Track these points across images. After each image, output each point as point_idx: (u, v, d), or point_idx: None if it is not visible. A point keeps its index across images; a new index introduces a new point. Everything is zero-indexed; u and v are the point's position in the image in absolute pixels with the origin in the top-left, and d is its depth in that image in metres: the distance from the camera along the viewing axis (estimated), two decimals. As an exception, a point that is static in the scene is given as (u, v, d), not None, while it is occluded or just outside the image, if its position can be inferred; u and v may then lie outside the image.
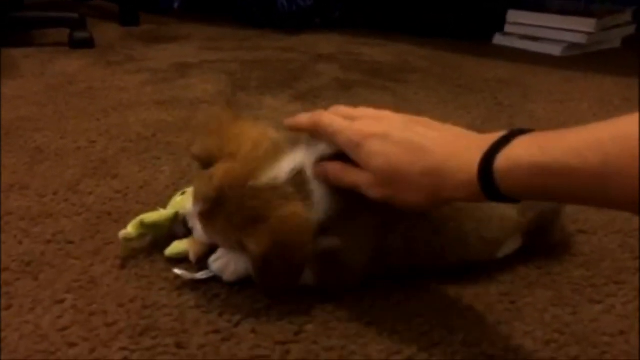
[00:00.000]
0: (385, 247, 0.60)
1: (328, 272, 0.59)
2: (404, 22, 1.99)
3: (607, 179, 0.38)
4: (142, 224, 0.64)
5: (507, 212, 0.63)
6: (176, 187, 0.80)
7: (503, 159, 0.44)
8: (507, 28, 1.86)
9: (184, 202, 0.67)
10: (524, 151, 0.43)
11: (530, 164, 0.42)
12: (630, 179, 0.37)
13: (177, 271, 0.60)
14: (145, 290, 0.60)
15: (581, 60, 1.68)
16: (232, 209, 0.53)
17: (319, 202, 0.56)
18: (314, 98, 1.27)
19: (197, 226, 0.60)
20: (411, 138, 0.50)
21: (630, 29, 1.80)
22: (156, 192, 0.81)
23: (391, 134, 0.50)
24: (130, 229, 0.64)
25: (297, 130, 0.59)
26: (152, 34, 1.93)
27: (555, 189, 0.42)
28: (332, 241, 0.57)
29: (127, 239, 0.64)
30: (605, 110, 1.23)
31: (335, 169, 0.55)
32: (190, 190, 0.69)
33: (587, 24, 1.70)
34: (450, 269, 0.63)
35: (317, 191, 0.56)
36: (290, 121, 0.60)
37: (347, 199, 0.56)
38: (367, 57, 1.67)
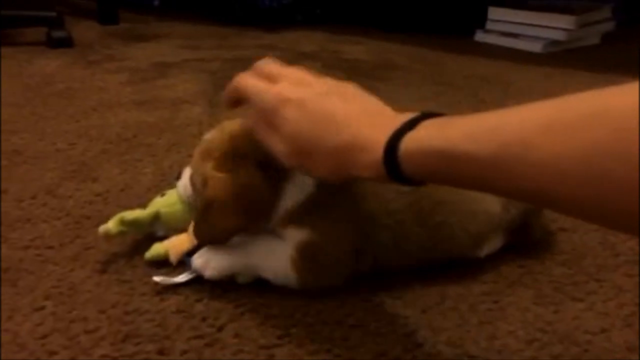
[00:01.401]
0: (372, 241, 0.60)
1: (307, 268, 0.58)
2: (385, 18, 1.99)
3: (499, 167, 0.37)
4: (123, 221, 0.63)
5: (492, 207, 0.63)
6: (158, 189, 0.79)
7: (407, 142, 0.43)
8: (489, 25, 1.87)
9: (165, 202, 0.66)
10: (427, 135, 0.42)
11: (431, 148, 0.41)
12: (522, 167, 0.36)
13: (156, 278, 0.60)
14: (126, 295, 0.59)
15: (561, 56, 1.69)
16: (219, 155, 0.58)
17: (290, 189, 0.57)
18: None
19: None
20: (325, 110, 0.48)
21: (610, 25, 1.83)
22: (137, 194, 0.80)
23: (306, 103, 0.49)
24: (111, 225, 0.63)
25: (230, 102, 0.57)
26: (132, 32, 1.91)
27: (454, 174, 0.41)
28: (306, 234, 0.57)
29: (107, 235, 0.63)
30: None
31: (260, 126, 0.52)
32: (170, 192, 0.68)
33: (566, 21, 1.72)
34: (437, 264, 0.63)
35: (290, 179, 0.57)
36: (224, 99, 0.58)
37: (322, 189, 0.57)
38: (349, 55, 1.66)
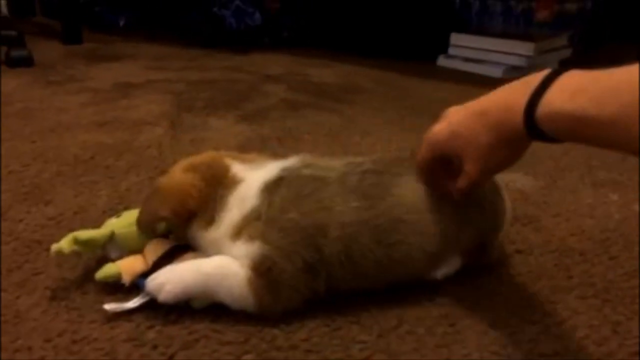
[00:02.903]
0: (324, 255, 0.59)
1: (264, 286, 0.57)
2: (351, 42, 2.02)
3: (620, 127, 0.43)
4: (76, 240, 0.61)
5: (449, 228, 0.63)
6: (113, 212, 0.77)
7: (543, 106, 0.49)
8: (451, 50, 1.91)
9: (120, 223, 0.65)
10: (559, 98, 0.48)
11: (562, 111, 0.47)
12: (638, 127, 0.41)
13: (106, 307, 0.58)
14: (75, 323, 0.57)
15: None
16: None
17: (233, 201, 0.60)
18: (261, 119, 1.26)
19: None
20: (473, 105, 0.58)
21: (567, 52, 1.89)
22: (92, 218, 0.78)
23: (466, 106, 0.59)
24: (64, 244, 0.61)
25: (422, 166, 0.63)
26: (96, 53, 1.89)
27: (582, 134, 0.47)
28: (257, 247, 0.58)
29: (60, 254, 0.61)
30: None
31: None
32: (125, 214, 0.67)
33: (526, 48, 1.77)
34: (393, 286, 0.63)
35: (233, 193, 0.61)
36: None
37: (266, 201, 0.59)
38: (315, 78, 1.68)
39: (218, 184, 0.62)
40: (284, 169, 0.63)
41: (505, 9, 2.00)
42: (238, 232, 0.59)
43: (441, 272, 0.66)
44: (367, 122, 1.28)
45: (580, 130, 0.46)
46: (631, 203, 0.90)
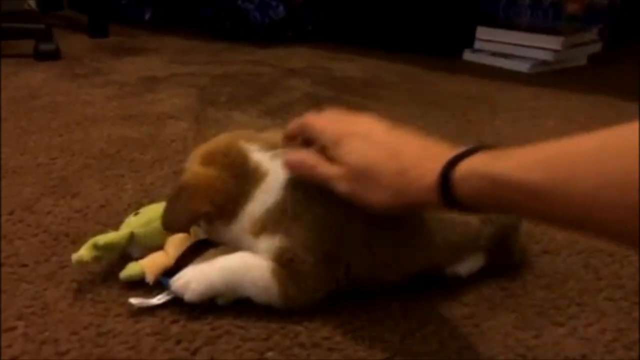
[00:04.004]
0: (343, 247, 0.59)
1: (288, 276, 0.57)
2: (375, 36, 2.00)
3: (546, 195, 0.41)
4: (96, 246, 0.62)
5: (470, 219, 0.63)
6: (138, 206, 0.78)
7: (461, 168, 0.47)
8: (477, 44, 1.88)
9: (139, 222, 0.65)
10: (481, 162, 0.46)
11: (483, 173, 0.45)
12: (566, 197, 0.39)
13: (132, 300, 0.58)
14: (100, 316, 0.58)
15: (549, 77, 1.70)
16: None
17: (258, 195, 0.59)
18: (284, 114, 1.26)
19: None
20: (390, 140, 0.54)
21: (597, 47, 1.84)
22: (117, 211, 0.79)
23: (373, 135, 0.55)
24: (83, 252, 0.61)
25: (290, 137, 0.62)
26: (121, 46, 1.90)
27: (504, 200, 0.45)
28: (279, 240, 0.58)
29: (81, 263, 0.61)
30: (571, 129, 1.24)
31: (310, 157, 0.57)
32: (144, 211, 0.67)
33: (554, 42, 1.73)
34: (416, 280, 0.62)
35: (258, 186, 0.60)
36: (285, 132, 0.63)
37: (290, 195, 0.58)
38: (339, 72, 1.67)
39: (242, 176, 0.60)
40: None
41: (534, 2, 1.97)
42: (262, 228, 0.59)
43: (465, 269, 0.65)
44: (391, 117, 1.27)
45: (501, 196, 0.44)
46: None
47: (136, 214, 0.67)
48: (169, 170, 0.93)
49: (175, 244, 0.63)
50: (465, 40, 1.90)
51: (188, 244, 0.63)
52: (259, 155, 0.61)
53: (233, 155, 0.61)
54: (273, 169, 0.61)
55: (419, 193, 0.50)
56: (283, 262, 0.57)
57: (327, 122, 0.59)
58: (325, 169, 0.56)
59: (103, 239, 0.62)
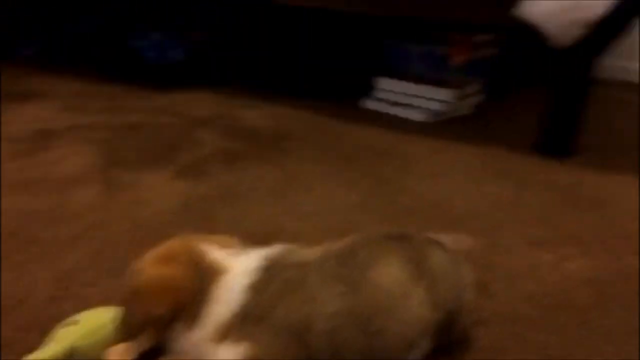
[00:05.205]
0: (311, 351, 0.58)
1: None
2: (278, 82, 2.02)
3: None
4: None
5: (424, 312, 0.64)
6: (60, 300, 0.71)
7: None
8: (377, 93, 1.97)
9: (81, 332, 0.59)
10: None
11: None
12: None
13: None
14: None
15: (444, 127, 1.81)
16: None
17: (221, 295, 0.57)
18: (198, 173, 1.22)
19: None
20: None
21: (480, 98, 2.01)
22: (36, 310, 0.71)
23: None
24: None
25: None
26: (7, 90, 1.74)
27: None
28: (246, 348, 0.55)
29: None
30: (476, 182, 1.32)
31: None
32: (83, 318, 0.61)
33: (446, 94, 1.86)
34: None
35: (222, 285, 0.57)
36: None
37: (255, 296, 0.57)
38: (247, 122, 1.66)
39: (200, 277, 0.58)
40: (266, 258, 0.61)
41: (423, 53, 2.10)
42: (224, 333, 0.56)
43: (414, 355, 0.67)
44: (307, 175, 1.29)
45: None
46: (562, 261, 0.96)
47: (75, 323, 0.61)
48: (87, 250, 0.86)
49: (119, 355, 0.59)
50: (365, 88, 1.98)
51: (134, 355, 0.59)
52: (217, 255, 0.59)
53: (189, 255, 0.59)
54: (232, 267, 0.59)
55: None
56: None
57: None
58: None
59: (35, 357, 0.56)
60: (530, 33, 1.44)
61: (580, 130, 1.49)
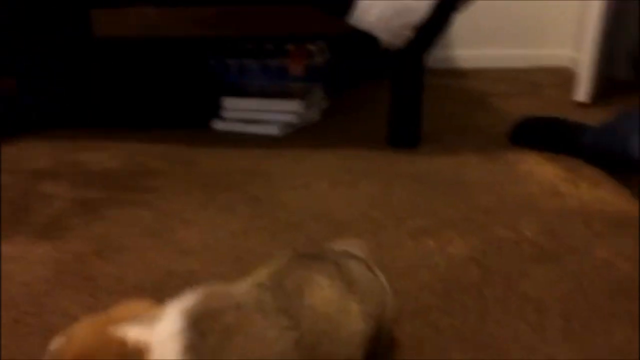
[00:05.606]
0: None
1: None
2: (118, 115, 1.90)
3: None
4: None
5: (360, 326, 0.64)
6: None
7: None
8: (225, 113, 1.94)
9: None
10: None
11: None
12: None
13: None
14: None
15: (299, 136, 1.84)
16: None
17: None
18: (60, 231, 1.10)
19: None
20: None
21: (325, 103, 2.09)
22: None
23: None
24: None
25: None
26: None
27: None
28: None
29: None
30: (346, 185, 1.37)
31: None
32: None
33: (293, 105, 1.90)
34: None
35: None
36: None
37: (197, 354, 0.52)
38: (97, 166, 1.53)
39: None
40: (187, 313, 0.56)
41: (261, 66, 2.13)
42: None
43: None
44: (180, 210, 1.23)
45: None
46: (446, 246, 1.04)
47: None
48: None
49: None
50: (212, 110, 1.95)
51: None
52: (135, 332, 0.53)
53: (107, 348, 0.52)
54: (159, 340, 0.53)
55: None
56: None
57: None
58: None
59: None
60: (359, 36, 1.54)
61: (421, 119, 1.62)
